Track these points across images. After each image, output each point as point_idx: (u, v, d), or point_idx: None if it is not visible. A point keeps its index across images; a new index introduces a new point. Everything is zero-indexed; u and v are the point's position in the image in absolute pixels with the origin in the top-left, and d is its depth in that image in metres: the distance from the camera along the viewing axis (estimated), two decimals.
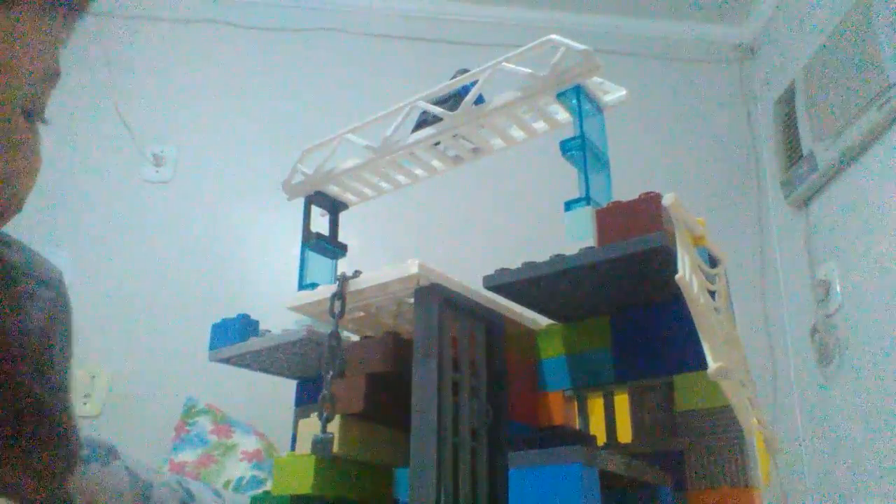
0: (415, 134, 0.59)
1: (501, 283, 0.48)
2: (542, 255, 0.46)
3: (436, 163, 0.63)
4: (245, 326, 0.62)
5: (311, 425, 0.48)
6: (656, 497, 0.44)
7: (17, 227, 0.51)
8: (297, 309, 0.54)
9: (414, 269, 0.47)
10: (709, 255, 0.46)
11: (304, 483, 0.46)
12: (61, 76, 0.40)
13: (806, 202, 1.69)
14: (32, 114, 0.39)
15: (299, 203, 0.66)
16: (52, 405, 0.49)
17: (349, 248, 0.67)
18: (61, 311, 0.52)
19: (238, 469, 1.36)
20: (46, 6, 0.36)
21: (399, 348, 0.50)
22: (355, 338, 0.56)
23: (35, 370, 0.48)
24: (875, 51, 1.36)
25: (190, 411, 1.47)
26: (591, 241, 0.46)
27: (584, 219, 0.47)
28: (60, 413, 0.50)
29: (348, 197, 0.67)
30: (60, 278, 0.54)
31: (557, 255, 0.46)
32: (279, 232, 1.72)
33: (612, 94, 0.55)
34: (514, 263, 0.48)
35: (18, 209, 0.40)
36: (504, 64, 0.54)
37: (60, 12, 0.38)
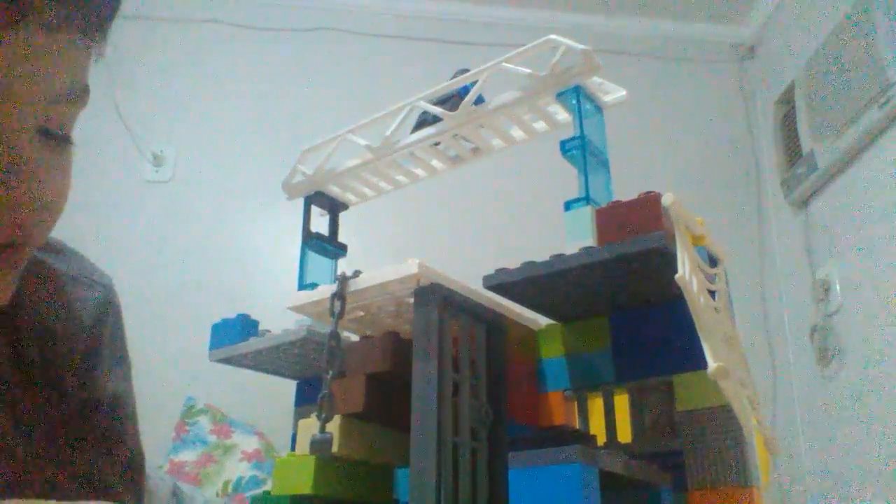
0: (414, 134, 0.59)
1: (501, 283, 0.48)
2: (542, 255, 0.46)
3: (436, 163, 0.63)
4: (245, 326, 0.62)
5: (311, 425, 0.48)
6: (656, 497, 0.44)
7: None
8: (297, 309, 0.54)
9: (414, 269, 0.47)
10: (708, 254, 0.46)
11: (304, 483, 0.46)
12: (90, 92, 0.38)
13: (806, 202, 1.69)
14: (51, 134, 0.36)
15: (299, 203, 0.65)
16: (99, 409, 0.49)
17: (349, 248, 0.67)
18: (110, 316, 0.53)
19: (238, 469, 1.37)
20: (61, 23, 0.33)
21: (399, 348, 0.50)
22: (355, 338, 0.56)
23: (81, 375, 0.48)
24: (875, 51, 1.36)
25: (190, 411, 1.47)
26: (591, 241, 0.46)
27: (584, 219, 0.47)
28: (111, 418, 0.50)
29: (348, 197, 0.67)
30: (110, 285, 0.54)
31: (557, 255, 0.46)
32: (279, 232, 1.72)
33: (611, 94, 0.55)
34: (514, 263, 0.48)
35: (33, 240, 0.37)
36: (504, 64, 0.54)
37: (78, 26, 0.35)
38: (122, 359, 0.53)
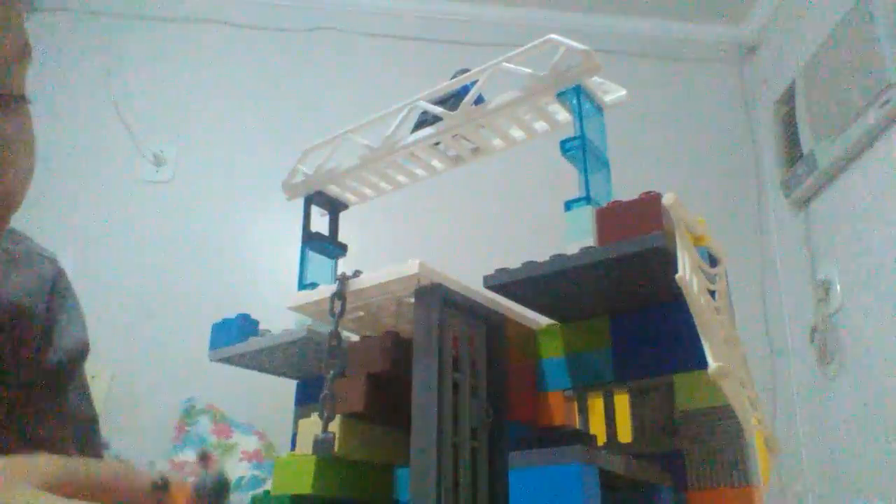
0: (415, 134, 0.59)
1: (501, 283, 0.48)
2: (542, 255, 0.46)
3: (436, 163, 0.63)
4: (245, 326, 0.62)
5: (311, 425, 0.48)
6: (656, 497, 0.44)
7: (17, 227, 0.52)
8: (297, 309, 0.54)
9: (414, 269, 0.47)
10: (709, 254, 0.46)
11: (304, 483, 0.46)
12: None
13: (806, 202, 1.69)
14: (3, 97, 0.36)
15: (299, 203, 0.65)
16: (56, 374, 0.50)
17: (349, 248, 0.67)
18: (61, 285, 0.54)
19: (238, 469, 1.37)
20: None
21: (399, 348, 0.50)
22: (355, 338, 0.56)
23: (42, 343, 0.49)
24: (875, 51, 1.36)
25: (190, 411, 1.47)
26: (591, 240, 0.46)
27: (584, 219, 0.47)
28: (66, 381, 0.51)
29: (348, 197, 0.67)
30: (54, 257, 0.56)
31: (557, 255, 0.46)
32: (279, 232, 1.72)
33: (612, 94, 0.55)
34: (514, 263, 0.48)
35: (11, 205, 0.37)
36: (504, 64, 0.54)
37: None
38: (74, 318, 0.55)
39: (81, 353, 0.54)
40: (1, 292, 0.49)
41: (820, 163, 1.55)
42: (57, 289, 0.54)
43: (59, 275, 0.55)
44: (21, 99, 0.37)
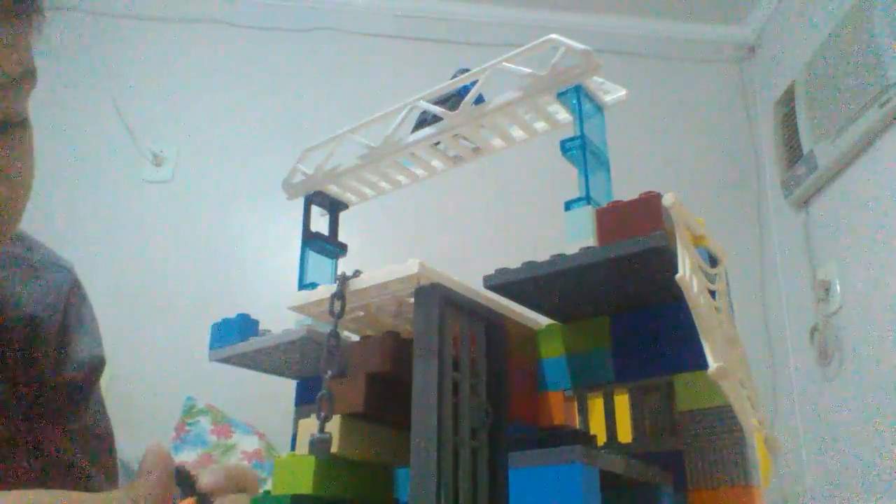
0: (415, 134, 0.59)
1: (501, 283, 0.48)
2: (542, 255, 0.46)
3: (436, 163, 0.63)
4: (245, 326, 0.62)
5: (311, 425, 0.48)
6: (656, 497, 0.44)
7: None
8: (297, 309, 0.54)
9: (414, 269, 0.47)
10: (709, 254, 0.46)
11: (304, 483, 0.46)
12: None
13: (806, 202, 1.69)
14: (5, 123, 0.35)
15: (299, 203, 0.65)
16: (70, 386, 0.50)
17: (349, 248, 0.67)
18: (78, 296, 0.54)
19: None
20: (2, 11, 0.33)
21: (399, 348, 0.50)
22: (355, 338, 0.55)
23: (57, 354, 0.49)
24: (875, 51, 1.36)
25: (190, 411, 1.47)
26: (591, 241, 0.46)
27: (584, 219, 0.47)
28: (79, 394, 0.51)
29: (348, 197, 0.67)
30: (71, 266, 0.55)
31: (557, 255, 0.46)
32: (279, 232, 1.72)
33: (612, 94, 0.55)
34: (514, 263, 0.48)
35: (6, 227, 0.37)
36: (504, 64, 0.54)
37: (19, 13, 0.34)
38: (89, 331, 0.54)
39: (97, 368, 0.54)
40: (16, 303, 0.48)
41: (820, 163, 1.56)
42: (73, 299, 0.53)
43: (75, 285, 0.54)
44: (21, 124, 0.37)
